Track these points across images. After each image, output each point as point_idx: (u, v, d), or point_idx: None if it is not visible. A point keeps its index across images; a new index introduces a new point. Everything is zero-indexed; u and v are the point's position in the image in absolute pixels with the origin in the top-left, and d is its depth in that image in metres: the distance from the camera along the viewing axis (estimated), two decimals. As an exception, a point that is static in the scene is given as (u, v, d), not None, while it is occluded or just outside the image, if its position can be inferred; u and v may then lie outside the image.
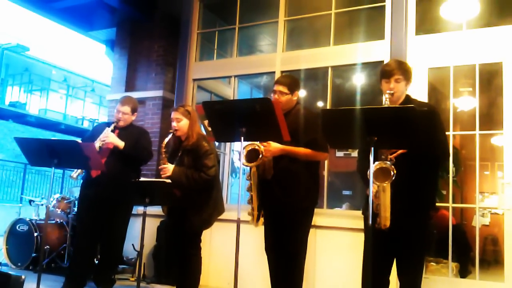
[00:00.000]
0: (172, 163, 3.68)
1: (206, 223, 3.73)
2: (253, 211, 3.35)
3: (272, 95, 3.39)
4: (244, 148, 3.18)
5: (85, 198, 4.24)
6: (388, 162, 2.53)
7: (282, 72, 5.16)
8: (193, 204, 3.65)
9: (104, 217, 4.20)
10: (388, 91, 2.80)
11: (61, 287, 4.17)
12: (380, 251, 2.61)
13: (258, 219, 3.37)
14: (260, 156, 3.14)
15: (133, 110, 4.32)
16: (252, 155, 3.18)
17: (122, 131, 4.25)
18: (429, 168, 2.81)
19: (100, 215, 4.18)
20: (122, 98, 4.38)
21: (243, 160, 3.18)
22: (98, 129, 4.33)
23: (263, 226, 3.48)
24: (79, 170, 4.11)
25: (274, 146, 3.22)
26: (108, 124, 4.31)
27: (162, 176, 3.63)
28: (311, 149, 3.27)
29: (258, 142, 3.21)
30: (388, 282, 2.92)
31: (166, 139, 3.70)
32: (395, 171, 2.49)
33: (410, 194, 2.73)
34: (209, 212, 3.69)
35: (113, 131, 4.18)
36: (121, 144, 4.14)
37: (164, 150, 3.70)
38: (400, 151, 2.63)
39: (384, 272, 2.87)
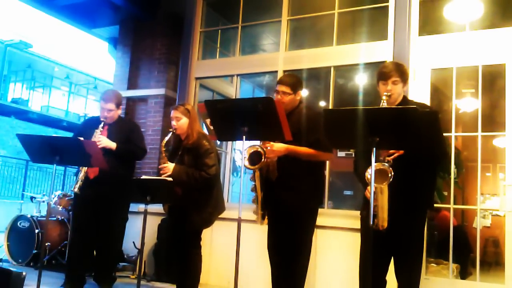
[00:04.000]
0: (172, 162, 3.68)
1: (207, 222, 3.73)
2: (258, 210, 3.31)
3: (275, 95, 3.36)
4: (246, 151, 3.11)
5: (82, 196, 4.11)
6: (386, 164, 2.53)
7: (284, 71, 5.15)
8: (194, 203, 3.64)
9: (100, 215, 4.14)
10: (385, 93, 2.81)
11: (62, 285, 4.18)
12: (377, 250, 2.61)
13: (263, 218, 3.35)
14: (263, 158, 3.07)
15: (118, 105, 4.22)
16: (254, 158, 3.10)
17: (112, 127, 4.19)
18: (426, 168, 2.81)
19: (96, 213, 4.13)
20: (104, 95, 4.23)
21: (247, 163, 3.12)
22: (88, 124, 4.27)
23: (266, 225, 3.45)
24: (80, 182, 4.00)
25: (278, 146, 3.17)
26: (97, 119, 4.19)
27: (163, 175, 3.62)
28: (315, 149, 3.24)
29: (261, 143, 3.15)
30: (385, 282, 2.93)
31: (166, 138, 3.67)
32: (392, 173, 2.49)
33: (407, 193, 2.72)
34: (209, 211, 3.69)
35: (102, 128, 4.09)
36: (113, 145, 4.08)
37: (164, 149, 3.70)
38: (397, 153, 2.62)
39: (381, 272, 2.88)
